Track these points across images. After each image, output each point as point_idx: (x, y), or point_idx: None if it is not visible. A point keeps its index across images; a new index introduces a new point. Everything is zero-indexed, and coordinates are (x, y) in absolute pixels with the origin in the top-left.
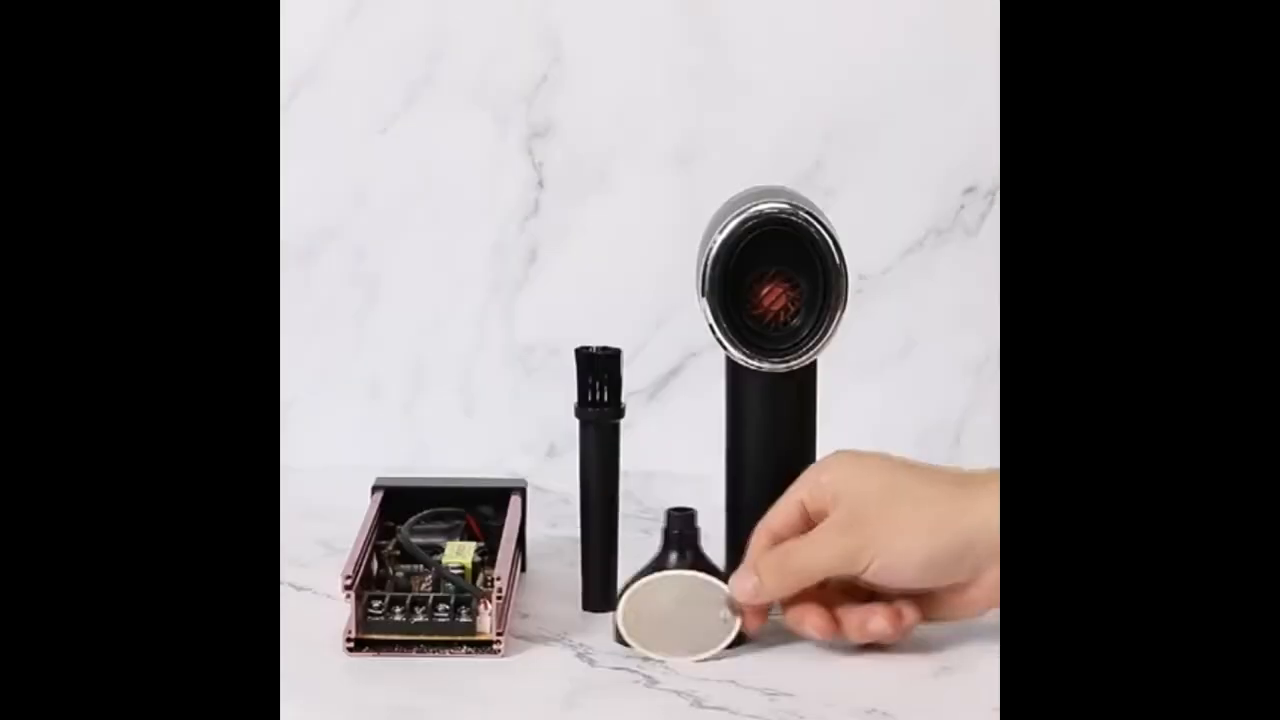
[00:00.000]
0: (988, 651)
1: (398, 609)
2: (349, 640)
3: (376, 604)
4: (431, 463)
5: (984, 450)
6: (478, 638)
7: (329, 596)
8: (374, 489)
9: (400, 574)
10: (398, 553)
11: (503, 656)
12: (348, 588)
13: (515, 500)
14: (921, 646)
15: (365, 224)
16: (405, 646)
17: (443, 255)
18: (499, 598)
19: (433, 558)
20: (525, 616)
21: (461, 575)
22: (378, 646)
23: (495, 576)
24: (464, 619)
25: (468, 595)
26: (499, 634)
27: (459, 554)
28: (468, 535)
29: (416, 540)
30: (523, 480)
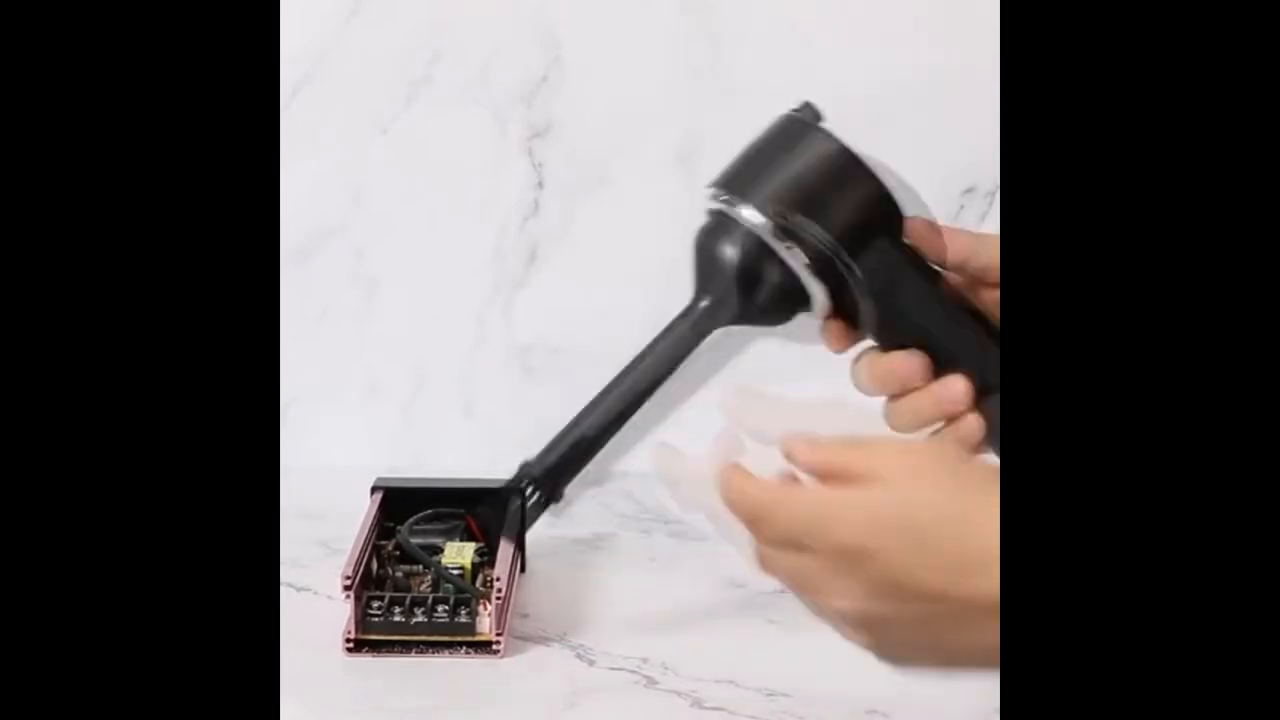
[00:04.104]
0: None
1: (397, 609)
2: (349, 640)
3: (376, 604)
4: (431, 463)
5: None
6: (477, 638)
7: (329, 597)
8: (373, 489)
9: (400, 574)
10: (397, 553)
11: (502, 657)
12: (347, 588)
13: (515, 500)
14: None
15: (365, 224)
16: (405, 647)
17: (443, 255)
18: (498, 598)
19: (432, 558)
20: (525, 616)
21: (461, 575)
22: (377, 647)
23: (495, 577)
24: (463, 619)
25: (467, 595)
26: (498, 634)
27: (458, 554)
28: (467, 535)
29: (416, 541)
30: None
